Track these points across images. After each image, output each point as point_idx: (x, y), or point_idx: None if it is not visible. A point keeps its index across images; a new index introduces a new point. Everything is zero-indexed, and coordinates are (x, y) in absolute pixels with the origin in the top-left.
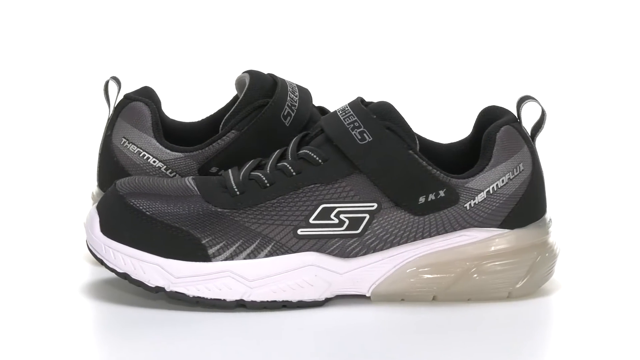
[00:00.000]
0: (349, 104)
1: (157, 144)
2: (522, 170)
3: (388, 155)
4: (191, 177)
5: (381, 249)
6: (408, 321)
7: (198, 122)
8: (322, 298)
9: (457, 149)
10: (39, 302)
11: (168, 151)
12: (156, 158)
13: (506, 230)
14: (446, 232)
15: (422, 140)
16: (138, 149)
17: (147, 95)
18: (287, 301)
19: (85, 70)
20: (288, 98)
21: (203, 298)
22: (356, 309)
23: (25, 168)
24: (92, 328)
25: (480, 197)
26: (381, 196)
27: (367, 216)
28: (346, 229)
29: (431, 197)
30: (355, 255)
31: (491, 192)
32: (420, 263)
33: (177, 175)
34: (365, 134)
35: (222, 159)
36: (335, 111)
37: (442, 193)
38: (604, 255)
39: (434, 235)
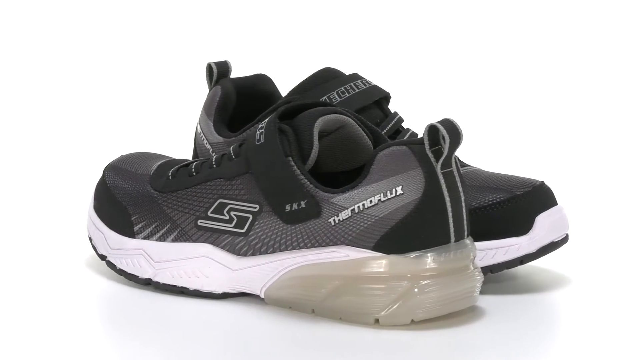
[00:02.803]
0: (279, 103)
1: (212, 127)
2: (401, 194)
3: (268, 158)
4: (192, 159)
5: (265, 252)
6: (300, 329)
7: None
8: (220, 291)
9: None
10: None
11: (216, 135)
12: (208, 141)
13: (380, 254)
14: (318, 245)
15: None
16: (200, 131)
17: (240, 83)
18: (185, 288)
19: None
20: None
21: (124, 272)
22: (254, 309)
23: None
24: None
25: (344, 215)
26: (263, 199)
27: (251, 217)
28: (234, 227)
29: (294, 206)
30: (245, 255)
31: (356, 211)
32: (298, 273)
33: None
34: (262, 135)
35: None
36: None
37: (303, 204)
38: (607, 255)
39: (308, 247)
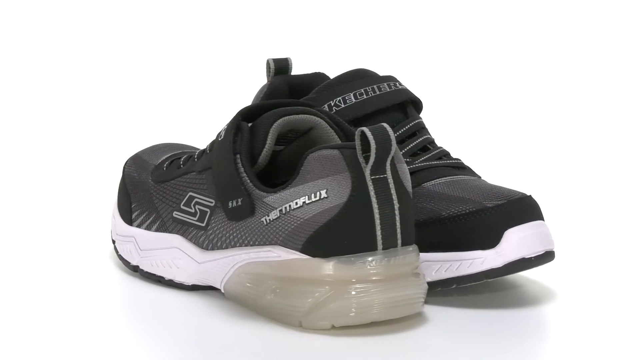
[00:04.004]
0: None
1: None
2: (325, 197)
3: (221, 155)
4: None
5: (221, 247)
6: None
7: None
8: (190, 283)
9: None
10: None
11: None
12: None
13: (306, 257)
14: (257, 244)
15: None
16: None
17: (295, 80)
18: (161, 277)
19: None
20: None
21: (122, 257)
22: (216, 302)
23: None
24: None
25: (273, 215)
26: (217, 194)
27: (209, 211)
28: (197, 220)
29: (234, 203)
30: (206, 248)
31: (284, 211)
32: (244, 270)
33: None
34: (223, 132)
35: None
36: None
37: (239, 201)
38: (598, 265)
39: (251, 245)
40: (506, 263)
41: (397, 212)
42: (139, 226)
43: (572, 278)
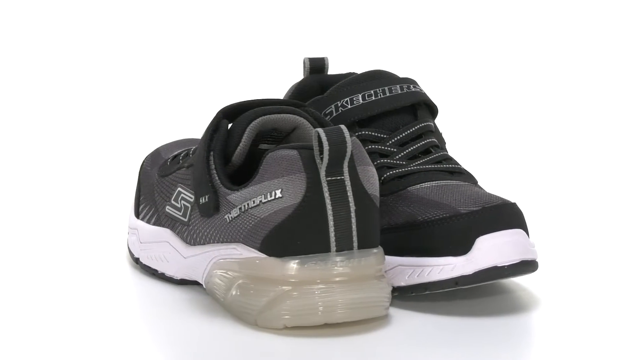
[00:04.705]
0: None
1: None
2: (279, 197)
3: (198, 151)
4: None
5: (200, 243)
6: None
7: None
8: (178, 277)
9: None
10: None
11: None
12: None
13: (264, 256)
14: (224, 241)
15: None
16: None
17: (328, 80)
18: (155, 270)
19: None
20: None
21: (129, 248)
22: (198, 297)
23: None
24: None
25: (234, 213)
26: (193, 190)
27: (190, 206)
28: (182, 215)
29: (204, 199)
30: (190, 244)
31: (243, 210)
32: (216, 266)
33: None
34: (206, 129)
35: None
36: None
37: (207, 198)
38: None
39: (220, 242)
40: (477, 270)
41: (353, 214)
42: (142, 219)
43: (559, 287)
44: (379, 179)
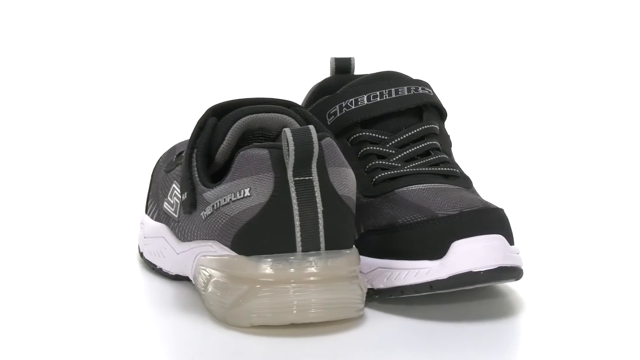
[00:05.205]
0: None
1: None
2: (248, 196)
3: (185, 148)
4: None
5: (187, 240)
6: None
7: None
8: (173, 272)
9: None
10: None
11: None
12: None
13: (233, 254)
14: (203, 238)
15: None
16: None
17: (347, 80)
18: (154, 265)
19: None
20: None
21: (138, 243)
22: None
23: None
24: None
25: (208, 210)
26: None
27: (179, 203)
28: (173, 212)
29: (184, 196)
30: (181, 240)
31: (215, 207)
32: (199, 262)
33: None
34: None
35: None
36: None
37: (185, 195)
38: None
39: (200, 239)
40: (451, 275)
41: (320, 214)
42: (148, 214)
43: (547, 295)
44: (371, 180)
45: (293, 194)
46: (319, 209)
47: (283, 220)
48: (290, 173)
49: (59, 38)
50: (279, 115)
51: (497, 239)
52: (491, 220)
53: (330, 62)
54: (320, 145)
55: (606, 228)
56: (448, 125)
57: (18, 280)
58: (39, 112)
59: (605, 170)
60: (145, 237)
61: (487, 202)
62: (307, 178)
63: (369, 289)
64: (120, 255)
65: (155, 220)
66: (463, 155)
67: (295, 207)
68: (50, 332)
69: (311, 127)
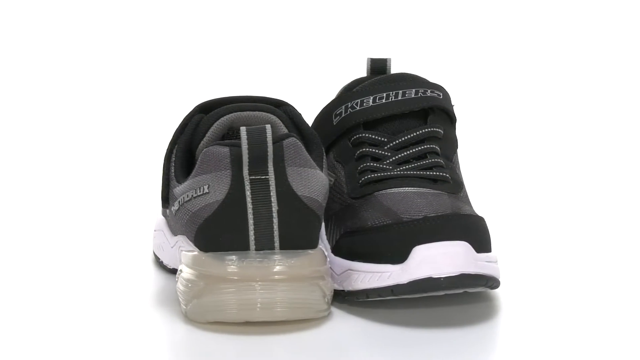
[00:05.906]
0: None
1: None
2: (206, 192)
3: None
4: None
5: (174, 234)
6: None
7: None
8: (171, 266)
9: None
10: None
11: None
12: None
13: (196, 250)
14: (176, 233)
15: None
16: None
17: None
18: (158, 257)
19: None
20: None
21: None
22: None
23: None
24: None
25: (176, 206)
26: None
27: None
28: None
29: (162, 192)
30: (172, 233)
31: (181, 203)
32: (180, 256)
33: None
34: None
35: None
36: None
37: (160, 190)
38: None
39: (177, 233)
40: (411, 280)
41: (275, 214)
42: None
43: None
44: (358, 182)
45: (248, 192)
46: (273, 209)
47: (237, 217)
48: (245, 171)
49: (51, 38)
50: (263, 114)
51: (459, 246)
52: (455, 227)
53: (367, 63)
54: (281, 145)
55: (611, 237)
56: (470, 130)
57: (38, 274)
58: (39, 112)
59: (615, 178)
60: (154, 231)
61: (462, 209)
62: (262, 177)
63: (340, 291)
64: (139, 248)
65: (162, 214)
66: (474, 161)
67: (249, 205)
68: (61, 324)
69: (267, 126)
